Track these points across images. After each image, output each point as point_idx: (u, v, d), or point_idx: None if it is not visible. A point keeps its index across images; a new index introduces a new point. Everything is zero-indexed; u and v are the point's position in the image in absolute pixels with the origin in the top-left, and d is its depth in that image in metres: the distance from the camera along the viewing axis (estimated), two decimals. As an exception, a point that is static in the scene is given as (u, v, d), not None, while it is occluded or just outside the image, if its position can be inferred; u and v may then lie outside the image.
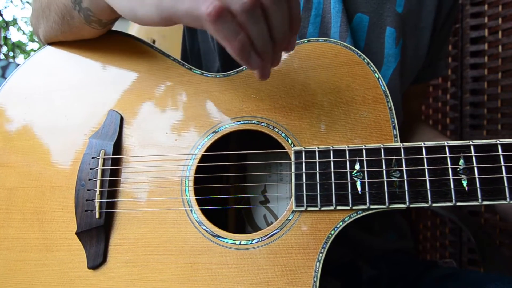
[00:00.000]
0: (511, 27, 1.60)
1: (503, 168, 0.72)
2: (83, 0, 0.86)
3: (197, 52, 1.20)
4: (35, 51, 1.06)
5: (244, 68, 0.90)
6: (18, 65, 1.03)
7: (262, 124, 0.86)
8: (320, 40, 0.87)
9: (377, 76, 0.82)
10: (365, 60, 0.84)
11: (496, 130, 1.64)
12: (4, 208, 0.95)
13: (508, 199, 0.72)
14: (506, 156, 0.73)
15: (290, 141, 0.84)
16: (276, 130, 0.85)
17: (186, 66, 0.94)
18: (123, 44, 0.99)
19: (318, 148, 0.81)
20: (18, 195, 0.95)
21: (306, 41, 0.88)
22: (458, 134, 1.76)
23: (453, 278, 1.04)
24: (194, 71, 0.93)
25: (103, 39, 0.99)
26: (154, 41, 1.91)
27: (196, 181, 0.87)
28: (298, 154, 0.82)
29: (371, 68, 0.83)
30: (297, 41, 0.88)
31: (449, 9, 1.14)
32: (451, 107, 1.83)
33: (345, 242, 1.05)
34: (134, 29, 1.94)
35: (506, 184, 0.72)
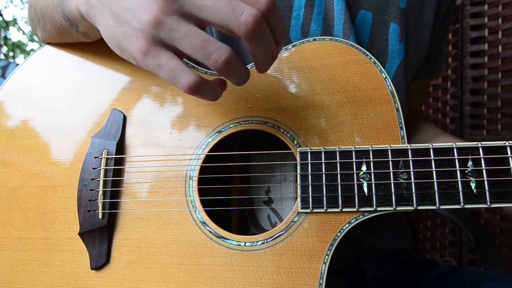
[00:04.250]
0: (511, 27, 1.60)
1: (513, 170, 0.72)
2: (79, 26, 0.86)
3: None
4: (35, 50, 1.05)
5: (249, 67, 0.89)
6: (18, 65, 1.02)
7: (268, 124, 0.86)
8: (326, 39, 0.86)
9: (384, 76, 0.82)
10: (372, 60, 0.83)
11: (496, 130, 1.64)
12: (6, 207, 0.94)
13: (517, 201, 0.71)
14: (515, 158, 0.72)
15: (295, 142, 0.83)
16: (282, 131, 0.84)
17: (190, 65, 0.93)
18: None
19: (324, 149, 0.80)
20: (20, 195, 0.94)
21: (311, 40, 0.87)
22: (458, 134, 1.76)
23: (452, 276, 1.04)
24: (198, 69, 0.92)
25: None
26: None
27: (200, 181, 0.87)
28: (303, 155, 0.81)
29: (378, 67, 0.82)
30: (302, 40, 0.87)
31: (447, 5, 1.14)
32: (451, 107, 1.83)
33: (347, 242, 1.05)
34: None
35: (515, 187, 0.71)
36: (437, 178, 0.74)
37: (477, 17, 1.74)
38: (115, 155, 0.89)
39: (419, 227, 2.01)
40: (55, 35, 0.98)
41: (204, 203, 0.86)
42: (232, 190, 0.98)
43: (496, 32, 1.68)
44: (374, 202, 0.76)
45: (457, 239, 1.77)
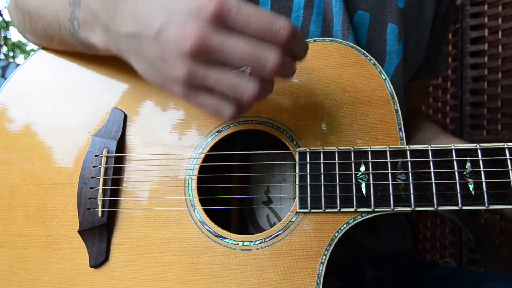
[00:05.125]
0: (511, 27, 1.61)
1: (511, 172, 0.72)
2: (99, 52, 0.87)
3: None
4: (35, 51, 1.05)
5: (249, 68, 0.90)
6: (18, 65, 1.03)
7: (267, 124, 0.86)
8: (326, 40, 0.87)
9: (383, 77, 0.82)
10: (371, 61, 0.83)
11: (496, 130, 1.65)
12: (7, 205, 0.95)
13: (515, 204, 0.72)
14: (514, 160, 0.72)
15: (294, 142, 0.83)
16: (281, 131, 0.85)
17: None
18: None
19: (323, 149, 0.80)
20: (21, 192, 0.94)
21: (312, 41, 0.87)
22: (458, 134, 1.77)
23: (452, 277, 1.05)
24: None
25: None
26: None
27: (199, 180, 0.87)
28: (302, 155, 0.81)
29: (378, 69, 0.83)
30: None
31: (447, 6, 1.14)
32: (451, 107, 1.84)
33: (347, 243, 1.05)
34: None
35: (513, 188, 0.72)
36: (435, 179, 0.74)
37: (477, 17, 1.75)
38: (115, 153, 0.89)
39: (419, 227, 2.02)
40: (64, 49, 0.99)
41: (204, 203, 0.86)
42: (231, 189, 0.98)
43: (496, 32, 1.68)
44: (372, 203, 0.76)
45: (457, 239, 1.77)
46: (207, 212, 0.85)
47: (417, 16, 1.07)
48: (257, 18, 0.62)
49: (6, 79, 1.02)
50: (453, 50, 1.83)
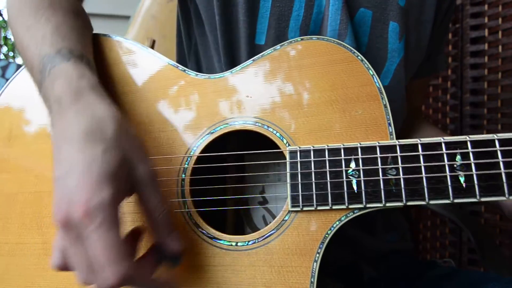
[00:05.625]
0: (511, 27, 1.60)
1: (501, 163, 0.71)
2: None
3: (195, 48, 1.19)
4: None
5: (238, 68, 0.90)
6: (18, 65, 1.03)
7: (257, 124, 0.86)
8: (314, 38, 0.87)
9: (371, 73, 0.82)
10: (359, 57, 0.83)
11: (496, 130, 1.64)
12: (4, 213, 0.95)
13: (507, 195, 0.71)
14: (504, 151, 0.72)
15: (285, 141, 0.83)
16: (271, 130, 0.85)
17: (180, 68, 0.93)
18: (116, 47, 0.98)
19: (313, 147, 0.80)
20: (17, 200, 0.95)
21: (299, 39, 0.87)
22: (458, 134, 1.76)
23: (450, 277, 1.04)
24: (188, 72, 0.93)
25: (98, 44, 0.98)
26: (154, 41, 1.88)
27: (193, 182, 0.87)
28: (293, 153, 0.81)
29: (365, 65, 0.82)
30: (290, 40, 0.88)
31: (448, 4, 1.15)
32: (451, 107, 1.83)
33: (346, 243, 1.05)
34: (134, 29, 1.92)
35: (504, 180, 0.71)
36: (425, 173, 0.74)
37: (477, 17, 1.74)
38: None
39: (419, 227, 2.00)
40: None
41: (198, 204, 0.86)
42: (226, 190, 0.98)
43: (496, 32, 1.67)
44: (364, 199, 0.76)
45: (457, 239, 1.76)
46: (202, 214, 0.85)
47: (418, 15, 1.07)
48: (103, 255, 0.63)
49: (6, 79, 1.02)
50: (453, 50, 1.83)
